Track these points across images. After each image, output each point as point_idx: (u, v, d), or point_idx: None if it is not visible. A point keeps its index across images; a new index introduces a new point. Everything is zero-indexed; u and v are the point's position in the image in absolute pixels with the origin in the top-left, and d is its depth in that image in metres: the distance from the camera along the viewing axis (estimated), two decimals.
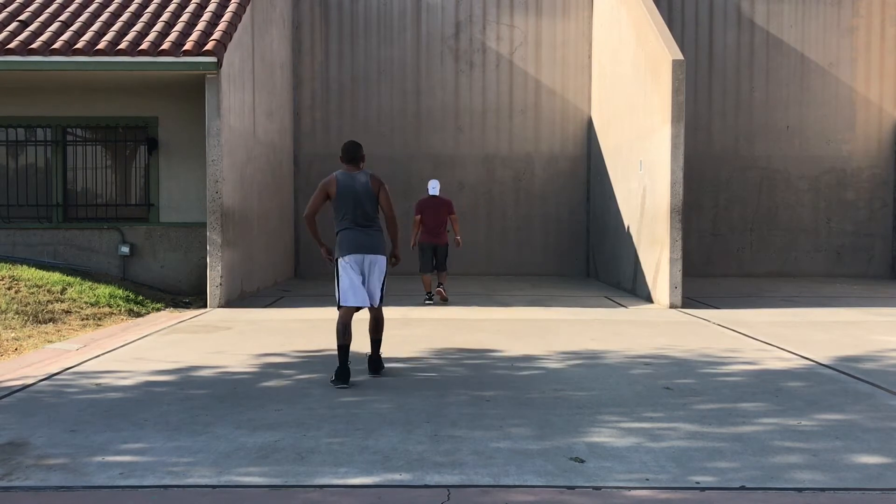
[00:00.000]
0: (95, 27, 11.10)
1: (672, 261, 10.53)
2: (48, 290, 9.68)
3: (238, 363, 6.69)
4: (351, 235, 6.04)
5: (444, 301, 10.98)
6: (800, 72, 15.83)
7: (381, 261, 6.15)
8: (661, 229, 10.81)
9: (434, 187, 11.14)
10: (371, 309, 6.20)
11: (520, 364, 6.72)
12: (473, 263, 15.59)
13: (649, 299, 11.34)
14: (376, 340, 6.34)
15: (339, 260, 6.06)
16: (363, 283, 6.05)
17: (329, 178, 6.18)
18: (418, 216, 11.02)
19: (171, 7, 11.87)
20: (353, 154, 6.28)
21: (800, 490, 3.74)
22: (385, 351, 7.18)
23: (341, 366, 5.88)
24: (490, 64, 15.95)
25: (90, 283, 10.39)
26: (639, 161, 12.09)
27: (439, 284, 11.09)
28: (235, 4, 11.66)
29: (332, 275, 6.24)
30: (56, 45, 10.48)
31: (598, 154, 15.13)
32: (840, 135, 15.91)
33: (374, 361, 6.31)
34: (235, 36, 11.14)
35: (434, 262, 11.08)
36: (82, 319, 8.98)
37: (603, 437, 4.56)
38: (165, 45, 10.52)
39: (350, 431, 4.64)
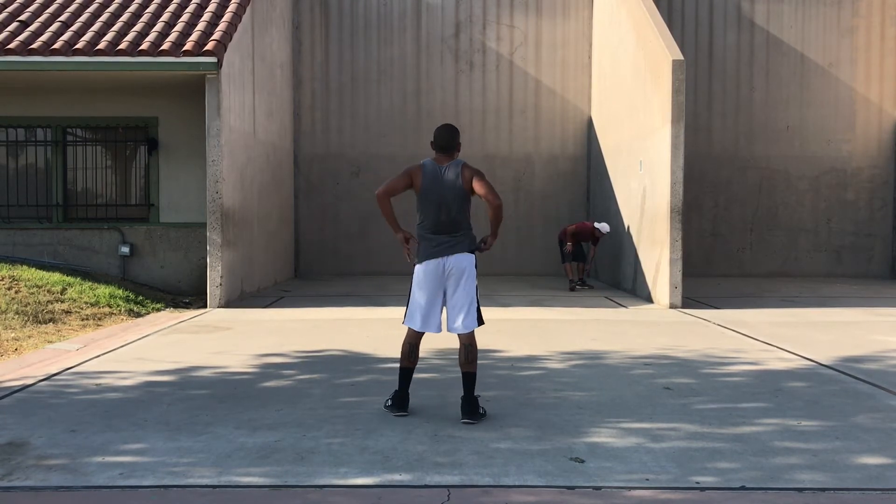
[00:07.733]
0: (95, 27, 11.10)
1: (672, 261, 10.53)
2: (48, 291, 9.67)
3: (238, 363, 6.69)
4: (428, 244, 5.00)
5: None
6: (800, 72, 15.82)
7: (465, 264, 4.95)
8: (661, 229, 10.80)
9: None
10: (460, 335, 4.98)
11: (521, 364, 6.72)
12: None
13: (649, 299, 11.34)
14: (467, 374, 4.93)
15: (416, 267, 5.04)
16: (443, 300, 5.00)
17: (415, 166, 5.09)
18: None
19: (171, 7, 11.87)
20: (448, 141, 5.07)
21: (800, 490, 3.74)
22: (385, 351, 7.19)
23: (400, 391, 5.05)
24: (490, 64, 15.95)
25: (90, 284, 10.39)
26: (639, 161, 12.09)
27: None
28: (235, 4, 11.66)
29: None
30: (56, 46, 10.48)
31: (598, 154, 15.13)
32: (840, 135, 15.91)
33: (467, 403, 4.89)
34: (235, 36, 11.14)
35: None
36: (82, 319, 8.97)
37: (603, 437, 4.56)
38: (165, 46, 10.51)
39: (350, 431, 4.64)
